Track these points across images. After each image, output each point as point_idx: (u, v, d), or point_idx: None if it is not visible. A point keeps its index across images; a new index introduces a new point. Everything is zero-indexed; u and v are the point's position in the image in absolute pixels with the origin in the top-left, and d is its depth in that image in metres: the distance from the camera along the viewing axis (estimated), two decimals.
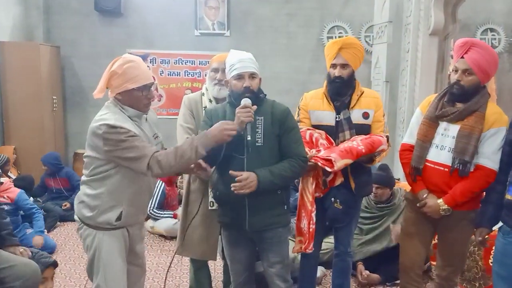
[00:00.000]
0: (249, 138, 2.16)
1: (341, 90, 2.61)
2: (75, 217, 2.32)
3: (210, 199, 2.66)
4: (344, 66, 2.58)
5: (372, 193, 3.37)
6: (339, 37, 6.41)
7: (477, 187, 2.33)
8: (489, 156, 2.30)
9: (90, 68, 6.30)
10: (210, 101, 2.72)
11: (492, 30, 6.50)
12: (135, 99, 2.19)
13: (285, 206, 2.34)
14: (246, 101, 2.18)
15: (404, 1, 4.93)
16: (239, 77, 2.24)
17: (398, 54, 5.03)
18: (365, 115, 2.68)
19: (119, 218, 2.21)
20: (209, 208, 2.67)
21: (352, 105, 2.63)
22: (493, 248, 2.95)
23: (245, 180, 2.14)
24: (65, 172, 5.24)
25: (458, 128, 2.34)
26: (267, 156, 2.24)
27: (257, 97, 2.25)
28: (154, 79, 2.47)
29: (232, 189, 2.15)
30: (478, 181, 2.32)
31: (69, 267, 3.82)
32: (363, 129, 2.62)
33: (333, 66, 2.59)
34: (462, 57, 2.31)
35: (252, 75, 2.26)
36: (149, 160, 2.06)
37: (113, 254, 2.24)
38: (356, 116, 2.62)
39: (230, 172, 2.16)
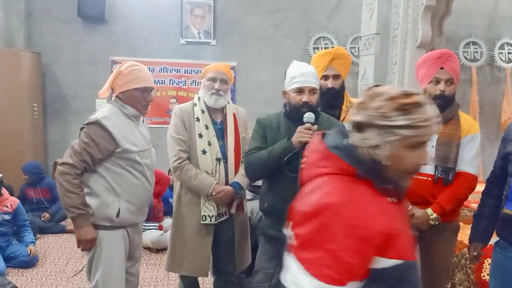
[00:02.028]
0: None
1: (333, 102, 2.59)
2: None
3: (203, 213, 2.59)
4: (336, 77, 2.56)
5: None
6: (325, 48, 6.43)
7: (462, 193, 2.34)
8: (469, 162, 2.33)
9: (72, 75, 6.16)
10: (203, 111, 2.66)
11: (474, 43, 6.61)
12: (135, 99, 2.34)
13: None
14: (309, 118, 2.15)
15: (391, 14, 4.96)
16: (299, 90, 2.21)
17: (385, 66, 5.04)
18: None
19: (118, 214, 2.27)
20: (201, 222, 2.59)
21: (341, 118, 2.61)
22: (485, 261, 2.97)
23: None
24: (47, 182, 5.08)
25: (437, 137, 2.35)
26: None
27: (315, 112, 2.21)
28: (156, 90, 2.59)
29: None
30: (462, 188, 2.33)
31: (51, 282, 3.67)
32: None
33: (325, 77, 2.56)
34: (442, 68, 2.33)
35: (312, 90, 2.23)
36: (74, 172, 2.20)
37: (113, 253, 2.30)
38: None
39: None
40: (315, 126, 2.15)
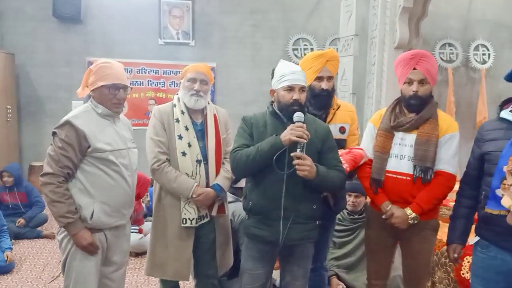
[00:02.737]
0: (299, 150, 2.11)
1: (326, 103, 2.58)
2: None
3: (183, 215, 2.55)
4: (330, 78, 2.56)
5: (351, 202, 3.35)
6: (304, 49, 6.46)
7: (440, 193, 2.36)
8: (447, 161, 2.36)
9: (46, 76, 6.03)
10: (183, 112, 2.62)
11: (450, 45, 6.73)
12: (104, 97, 2.28)
13: (317, 222, 2.30)
14: (299, 117, 2.14)
15: (369, 15, 5.01)
16: (290, 88, 2.20)
17: (364, 67, 5.09)
18: (342, 130, 2.66)
19: (92, 216, 2.20)
20: (182, 225, 2.55)
21: (328, 120, 2.60)
22: (464, 260, 3.00)
23: (307, 160, 2.11)
24: (25, 186, 4.92)
25: (415, 136, 2.37)
26: None
27: (303, 111, 2.21)
28: (131, 88, 2.49)
29: (294, 162, 2.10)
30: (441, 187, 2.35)
31: None
32: (340, 144, 2.58)
33: (319, 79, 2.55)
34: (415, 69, 2.35)
35: (302, 89, 2.22)
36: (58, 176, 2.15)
37: (87, 257, 2.23)
38: (332, 131, 2.59)
39: (292, 154, 2.10)
40: (304, 125, 2.15)
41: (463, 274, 3.04)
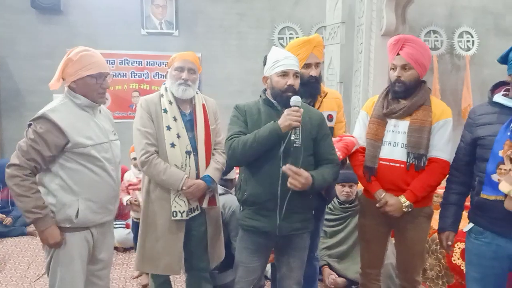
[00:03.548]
0: (293, 138, 2.08)
1: (316, 90, 2.54)
2: None
3: (173, 208, 2.48)
4: (317, 65, 2.51)
5: (345, 193, 3.33)
6: (290, 38, 6.39)
7: (434, 180, 2.34)
8: (441, 148, 2.34)
9: (27, 69, 5.85)
10: (170, 102, 2.54)
11: (435, 32, 6.71)
12: (89, 87, 2.18)
13: (313, 212, 2.28)
14: (296, 101, 2.09)
15: (356, 2, 4.96)
16: (284, 74, 2.17)
17: (351, 55, 5.05)
18: (330, 118, 2.62)
19: (78, 214, 2.12)
20: (172, 218, 2.49)
21: (316, 108, 2.56)
22: (455, 246, 3.01)
23: (301, 176, 2.07)
24: None
25: (408, 123, 2.35)
26: (304, 159, 2.15)
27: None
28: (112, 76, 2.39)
29: (289, 181, 2.06)
30: (435, 174, 2.33)
31: None
32: None
33: (307, 66, 2.50)
34: (398, 54, 2.32)
35: (296, 74, 2.19)
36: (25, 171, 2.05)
37: (72, 257, 2.15)
38: None
39: (287, 166, 2.06)
40: (302, 110, 2.10)
41: (454, 260, 3.04)
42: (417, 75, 2.35)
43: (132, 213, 3.76)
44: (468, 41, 6.82)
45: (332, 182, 2.32)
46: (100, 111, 2.32)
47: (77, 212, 2.12)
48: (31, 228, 4.70)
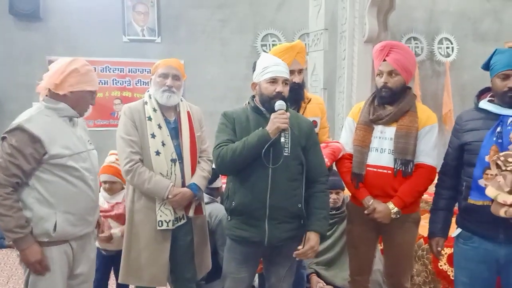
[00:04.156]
0: (283, 140, 2.06)
1: (299, 97, 2.54)
2: None
3: (159, 218, 2.43)
4: (300, 71, 2.51)
5: (332, 200, 3.32)
6: (273, 44, 6.39)
7: (421, 185, 2.35)
8: (428, 153, 2.35)
9: (4, 76, 5.72)
10: (155, 110, 2.50)
11: (415, 38, 6.81)
12: (84, 101, 2.19)
13: (302, 221, 2.23)
14: (281, 105, 2.08)
15: (338, 9, 4.99)
16: (273, 80, 2.15)
17: (334, 61, 5.07)
18: (314, 124, 2.62)
19: (55, 227, 2.04)
20: (158, 227, 2.43)
21: (301, 113, 2.56)
22: (442, 252, 3.02)
23: (312, 248, 2.13)
24: None
25: (394, 129, 2.35)
26: (292, 167, 2.15)
27: (287, 105, 2.16)
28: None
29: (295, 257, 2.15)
30: (422, 179, 2.34)
31: None
32: None
33: (290, 72, 2.49)
34: (384, 60, 2.33)
35: (285, 81, 2.17)
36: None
37: (53, 271, 2.06)
38: None
39: (295, 254, 2.14)
40: (288, 113, 2.10)
41: (441, 266, 3.05)
42: (403, 81, 2.36)
43: (98, 243, 2.86)
44: (447, 48, 6.94)
45: (329, 208, 2.37)
46: (77, 123, 2.27)
47: (55, 225, 2.04)
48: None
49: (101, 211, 2.89)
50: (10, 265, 4.06)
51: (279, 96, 2.13)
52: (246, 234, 2.18)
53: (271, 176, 2.11)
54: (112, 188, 2.88)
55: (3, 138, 2.02)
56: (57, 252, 2.08)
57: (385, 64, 2.34)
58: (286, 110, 2.13)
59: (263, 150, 2.05)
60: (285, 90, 2.18)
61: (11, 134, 2.00)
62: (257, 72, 2.23)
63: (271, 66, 2.16)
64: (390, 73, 2.33)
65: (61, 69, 2.11)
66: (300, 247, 2.13)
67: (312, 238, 2.14)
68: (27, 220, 2.00)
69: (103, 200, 2.85)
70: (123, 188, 2.88)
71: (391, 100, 2.37)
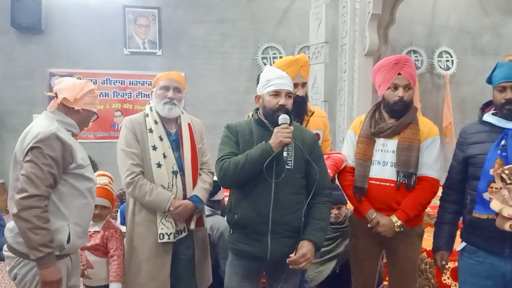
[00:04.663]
0: (285, 155, 2.04)
1: (302, 110, 2.53)
2: (6, 253, 2.04)
3: (160, 230, 2.40)
4: (304, 84, 2.51)
5: (334, 215, 3.29)
6: (274, 57, 6.43)
7: (425, 198, 2.33)
8: (430, 166, 2.33)
9: (6, 89, 5.75)
10: (156, 122, 2.49)
11: (415, 52, 6.86)
12: (87, 120, 2.25)
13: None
14: (285, 119, 2.06)
15: (339, 23, 5.03)
16: (276, 93, 2.13)
17: (335, 74, 5.10)
18: (316, 137, 2.61)
19: (69, 239, 2.02)
20: (159, 240, 2.41)
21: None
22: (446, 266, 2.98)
23: (304, 256, 2.04)
24: None
25: (396, 142, 2.34)
26: (296, 180, 2.12)
27: (290, 118, 2.13)
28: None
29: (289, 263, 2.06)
30: (425, 192, 2.32)
31: None
32: None
33: (294, 85, 2.49)
34: (399, 74, 2.32)
35: (288, 94, 2.15)
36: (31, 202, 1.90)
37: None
38: None
39: (288, 260, 2.04)
40: (292, 127, 2.08)
41: (444, 280, 3.02)
42: (413, 94, 2.39)
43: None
44: (447, 61, 6.98)
45: (329, 221, 2.32)
46: None
47: (68, 237, 2.02)
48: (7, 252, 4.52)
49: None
50: (8, 278, 4.02)
51: (282, 109, 2.12)
52: (249, 249, 2.14)
53: (274, 190, 2.09)
54: (102, 214, 2.61)
55: (35, 148, 1.95)
56: (63, 266, 2.06)
57: (401, 78, 2.32)
58: (290, 124, 2.12)
59: (265, 164, 2.02)
60: (288, 103, 2.15)
61: (45, 143, 1.95)
62: (260, 85, 2.22)
63: (274, 79, 2.15)
64: (405, 87, 2.33)
65: (80, 86, 2.15)
66: (292, 254, 2.06)
67: (304, 246, 2.06)
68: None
69: None
70: (107, 215, 2.68)
71: (402, 114, 2.36)
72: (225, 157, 2.13)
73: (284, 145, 2.03)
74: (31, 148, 1.95)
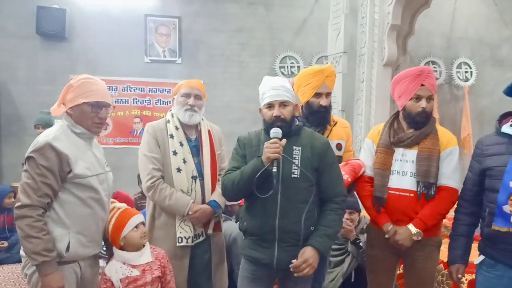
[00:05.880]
0: (274, 170, 2.01)
1: (325, 120, 2.55)
2: (21, 252, 2.05)
3: (179, 234, 2.45)
4: (328, 95, 2.53)
5: (345, 219, 3.29)
6: (291, 67, 6.47)
7: (443, 208, 2.32)
8: (449, 176, 2.33)
9: (28, 95, 5.87)
10: (177, 128, 2.55)
11: (433, 62, 6.82)
12: (85, 115, 2.08)
13: None
14: (275, 133, 2.05)
15: (358, 33, 5.05)
16: (270, 105, 2.13)
17: (353, 84, 5.11)
18: (339, 146, 2.63)
19: (68, 248, 2.00)
20: (177, 244, 2.45)
21: (325, 136, 2.56)
22: (462, 279, 2.95)
23: (306, 262, 2.02)
24: (12, 208, 4.71)
25: (416, 152, 2.34)
26: (303, 189, 2.09)
27: (290, 126, 2.13)
28: (113, 106, 2.33)
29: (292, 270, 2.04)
30: (444, 202, 2.31)
31: None
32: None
33: (318, 95, 2.52)
34: (423, 85, 2.33)
35: (283, 103, 2.13)
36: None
37: None
38: None
39: (290, 266, 2.04)
40: (284, 141, 2.05)
41: None
42: (434, 105, 2.40)
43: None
44: (466, 72, 6.92)
45: (339, 228, 2.27)
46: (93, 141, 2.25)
47: (68, 246, 2.01)
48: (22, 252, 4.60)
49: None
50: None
51: (277, 120, 2.11)
52: (257, 255, 2.16)
53: (280, 199, 2.08)
54: (144, 231, 2.32)
55: (30, 158, 1.97)
56: (67, 271, 2.05)
57: (425, 89, 2.32)
58: (297, 133, 2.13)
59: (261, 178, 2.01)
60: (284, 112, 2.12)
61: (39, 153, 1.95)
62: (260, 98, 2.24)
63: (268, 91, 2.15)
64: (428, 98, 2.33)
65: (63, 89, 2.12)
66: (294, 260, 2.05)
67: (307, 251, 2.04)
68: (53, 244, 1.95)
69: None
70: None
71: (423, 125, 2.36)
72: (228, 172, 2.18)
73: (272, 160, 2.00)
74: (27, 158, 1.97)
